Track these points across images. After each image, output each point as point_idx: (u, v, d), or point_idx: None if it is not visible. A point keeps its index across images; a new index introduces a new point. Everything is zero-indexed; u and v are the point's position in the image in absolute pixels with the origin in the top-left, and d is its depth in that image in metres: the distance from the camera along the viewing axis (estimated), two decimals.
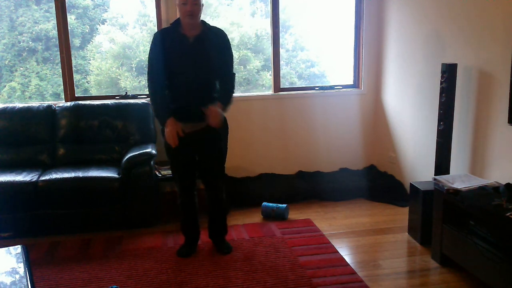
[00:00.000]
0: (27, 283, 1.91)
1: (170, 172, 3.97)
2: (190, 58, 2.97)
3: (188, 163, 3.15)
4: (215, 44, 3.01)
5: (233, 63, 3.13)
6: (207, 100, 3.01)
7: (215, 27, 3.09)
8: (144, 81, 5.89)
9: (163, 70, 2.97)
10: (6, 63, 5.85)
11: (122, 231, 3.65)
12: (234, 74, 3.14)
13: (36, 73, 5.91)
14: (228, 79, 3.10)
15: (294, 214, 3.97)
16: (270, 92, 4.73)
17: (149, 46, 3.03)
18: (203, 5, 2.95)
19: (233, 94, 3.13)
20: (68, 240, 3.51)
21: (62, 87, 4.47)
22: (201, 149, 3.12)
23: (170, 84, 3.01)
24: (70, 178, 3.56)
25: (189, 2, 2.86)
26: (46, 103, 4.18)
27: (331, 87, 4.83)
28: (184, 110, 3.00)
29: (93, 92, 5.85)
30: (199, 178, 3.25)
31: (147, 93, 4.61)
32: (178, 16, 3.01)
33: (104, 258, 3.22)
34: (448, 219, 2.98)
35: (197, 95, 3.01)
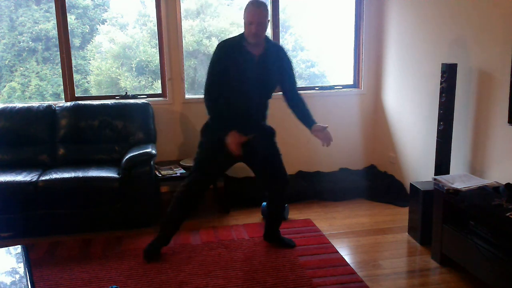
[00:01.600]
0: (27, 283, 1.91)
1: (172, 171, 3.98)
2: (255, 77, 2.97)
3: (224, 166, 3.20)
4: (279, 63, 3.05)
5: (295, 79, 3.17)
6: (262, 117, 3.15)
7: (276, 43, 3.12)
8: (144, 81, 5.90)
9: (227, 82, 2.96)
10: (6, 63, 5.85)
11: (122, 231, 3.65)
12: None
13: (36, 73, 5.91)
14: (300, 97, 3.18)
15: (294, 214, 3.97)
16: None
17: (213, 56, 2.96)
18: (269, 21, 2.96)
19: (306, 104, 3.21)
20: (68, 240, 3.51)
21: (62, 87, 4.47)
22: (254, 152, 3.13)
23: (231, 96, 3.00)
24: (70, 178, 3.56)
25: (255, 22, 2.85)
26: (46, 103, 4.18)
27: (331, 87, 4.83)
28: (239, 124, 3.00)
29: (93, 92, 5.85)
30: (263, 181, 3.32)
31: (147, 93, 4.65)
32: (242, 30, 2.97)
33: (104, 258, 3.22)
34: (448, 219, 2.98)
35: (254, 112, 3.08)
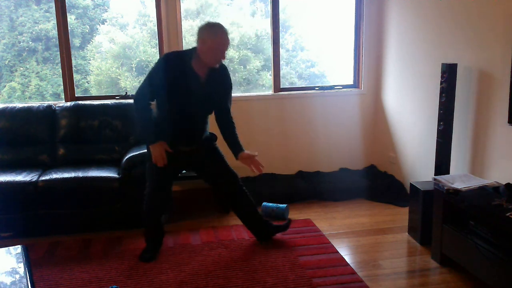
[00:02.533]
0: (27, 283, 1.91)
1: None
2: (200, 96, 2.99)
3: (169, 173, 3.16)
4: (221, 85, 3.09)
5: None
6: (201, 132, 3.15)
7: (221, 64, 3.09)
8: None
9: (164, 96, 2.94)
10: (6, 63, 5.85)
11: (122, 231, 3.65)
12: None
13: (36, 73, 5.91)
14: (232, 121, 3.18)
15: (294, 214, 3.97)
16: (270, 92, 4.73)
17: (156, 64, 2.95)
18: None
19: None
20: (68, 240, 3.51)
21: (62, 87, 4.47)
22: (199, 161, 3.21)
23: (170, 111, 3.00)
24: (70, 178, 3.56)
25: (225, 50, 2.91)
26: (46, 103, 4.18)
27: (331, 87, 4.83)
28: (178, 136, 3.06)
29: (93, 92, 5.85)
30: (217, 187, 3.35)
31: None
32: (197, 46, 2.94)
33: (104, 258, 3.22)
34: (448, 219, 2.98)
35: (195, 126, 3.11)
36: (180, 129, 3.06)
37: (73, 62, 4.45)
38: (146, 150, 3.13)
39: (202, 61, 2.92)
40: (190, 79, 2.95)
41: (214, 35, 2.86)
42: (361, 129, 4.87)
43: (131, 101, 4.28)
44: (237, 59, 5.65)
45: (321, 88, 4.81)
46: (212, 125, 3.24)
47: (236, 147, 3.14)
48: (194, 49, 2.96)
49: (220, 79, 3.07)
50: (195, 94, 2.97)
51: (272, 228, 3.45)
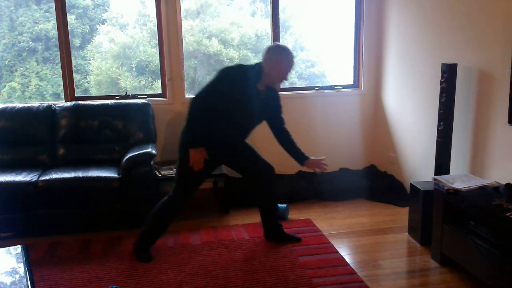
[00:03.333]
0: (27, 283, 1.90)
1: (172, 171, 3.98)
2: (256, 111, 3.09)
3: (202, 180, 3.23)
4: (275, 98, 3.23)
5: None
6: (246, 140, 3.29)
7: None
8: (144, 81, 5.90)
9: (224, 107, 2.98)
10: (6, 63, 5.85)
11: (122, 231, 3.65)
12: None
13: (36, 73, 5.91)
14: (285, 129, 3.31)
15: (294, 214, 3.97)
16: None
17: (224, 74, 2.97)
18: None
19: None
20: (68, 240, 3.51)
21: (62, 87, 4.47)
22: (231, 158, 3.28)
23: (226, 121, 3.03)
24: (70, 178, 3.56)
25: (288, 73, 3.07)
26: (46, 103, 4.18)
27: (331, 87, 4.83)
28: (224, 145, 3.13)
29: (93, 92, 5.85)
30: (249, 176, 3.38)
31: (147, 93, 4.65)
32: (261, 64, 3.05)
33: (104, 258, 3.22)
34: (448, 219, 2.98)
35: (245, 137, 3.25)
36: (230, 139, 3.14)
37: (73, 62, 4.45)
38: (180, 154, 3.10)
39: (265, 79, 3.04)
40: (253, 95, 3.04)
41: (282, 56, 3.00)
42: (361, 129, 4.87)
43: (131, 101, 4.30)
44: (237, 59, 5.65)
45: (321, 88, 4.81)
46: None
47: (299, 155, 3.27)
48: (258, 66, 3.04)
49: (274, 95, 3.21)
50: (254, 108, 3.07)
51: (282, 234, 3.45)
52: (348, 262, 3.11)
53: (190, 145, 2.98)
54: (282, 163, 4.69)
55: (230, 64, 3.08)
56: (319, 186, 4.42)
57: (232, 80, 2.95)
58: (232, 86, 2.94)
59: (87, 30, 5.89)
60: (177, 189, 3.15)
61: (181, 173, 3.13)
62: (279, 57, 2.99)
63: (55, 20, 4.32)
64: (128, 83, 5.82)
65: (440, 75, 3.43)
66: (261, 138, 4.61)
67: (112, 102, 4.25)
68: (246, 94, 3.00)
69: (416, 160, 4.18)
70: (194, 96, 2.99)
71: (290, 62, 3.03)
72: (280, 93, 4.63)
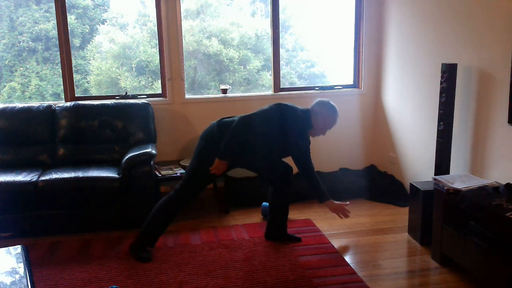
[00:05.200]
0: (27, 283, 1.91)
1: (172, 171, 3.98)
2: (289, 149, 3.23)
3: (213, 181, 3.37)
4: (306, 139, 3.29)
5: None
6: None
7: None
8: (144, 81, 5.90)
9: (266, 139, 3.12)
10: (6, 63, 5.85)
11: (122, 231, 3.65)
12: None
13: (36, 73, 5.91)
14: (309, 162, 3.30)
15: (294, 214, 3.97)
16: (270, 92, 4.73)
17: (283, 111, 3.11)
18: None
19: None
20: (68, 240, 3.51)
21: (62, 87, 4.47)
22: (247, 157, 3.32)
23: (258, 148, 3.16)
24: (70, 178, 3.56)
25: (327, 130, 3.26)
26: (46, 103, 4.18)
27: (331, 87, 4.83)
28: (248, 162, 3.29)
29: (93, 92, 5.85)
30: (267, 176, 3.43)
31: (147, 93, 4.65)
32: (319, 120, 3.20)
33: (104, 258, 3.22)
34: (448, 219, 2.98)
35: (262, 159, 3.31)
36: (256, 161, 3.26)
37: (73, 62, 4.45)
38: (199, 156, 3.17)
39: (312, 132, 3.24)
40: (297, 139, 3.19)
41: (331, 114, 3.19)
42: (361, 129, 4.87)
43: (131, 101, 4.30)
44: (237, 59, 5.65)
45: (321, 88, 4.81)
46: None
47: (319, 193, 3.30)
48: (307, 114, 3.19)
49: (306, 135, 3.27)
50: (288, 148, 3.21)
51: (285, 234, 3.47)
52: (348, 262, 3.11)
53: (221, 155, 3.04)
54: None
55: (287, 104, 3.21)
56: None
57: (284, 120, 3.10)
58: (281, 124, 3.10)
59: (87, 30, 5.89)
60: (185, 186, 3.18)
61: (192, 174, 3.19)
62: (330, 116, 3.19)
63: (55, 20, 4.32)
64: (128, 83, 5.82)
65: (440, 75, 3.43)
66: None
67: (112, 102, 4.25)
68: (285, 135, 3.13)
69: (416, 160, 4.18)
70: (247, 115, 3.09)
71: (335, 120, 3.21)
72: (280, 93, 4.68)
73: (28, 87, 5.87)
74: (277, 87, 4.68)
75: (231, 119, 3.18)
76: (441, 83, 3.40)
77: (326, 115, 3.19)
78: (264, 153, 3.20)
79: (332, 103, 3.22)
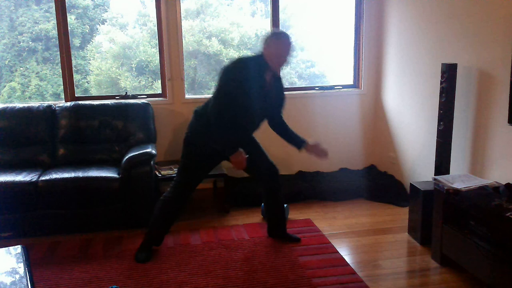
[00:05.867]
0: (27, 283, 1.90)
1: (173, 171, 3.98)
2: (264, 102, 3.08)
3: (207, 171, 3.25)
4: (279, 89, 3.19)
5: None
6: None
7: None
8: (144, 81, 5.90)
9: (239, 102, 2.95)
10: (6, 63, 5.85)
11: (122, 231, 3.65)
12: None
13: (36, 73, 5.91)
14: (283, 120, 3.30)
15: (294, 214, 3.97)
16: None
17: (233, 73, 2.93)
18: None
19: None
20: (68, 240, 3.51)
21: (62, 87, 4.47)
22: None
23: (237, 116, 3.00)
24: (70, 178, 3.56)
25: (286, 58, 3.00)
26: (46, 103, 4.18)
27: (331, 87, 4.83)
28: (233, 144, 3.04)
29: (93, 92, 5.86)
30: (257, 177, 3.42)
31: (147, 93, 4.65)
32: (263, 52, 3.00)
33: (104, 258, 3.22)
34: (448, 219, 2.98)
35: (252, 132, 3.21)
36: (242, 134, 3.12)
37: (73, 62, 4.45)
38: (185, 151, 3.16)
39: (271, 66, 3.01)
40: (262, 84, 3.03)
41: (279, 40, 2.97)
42: (361, 129, 4.87)
43: (131, 101, 4.30)
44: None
45: (321, 88, 4.81)
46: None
47: (297, 140, 3.29)
48: (259, 55, 3.02)
49: (280, 87, 3.18)
50: (262, 96, 3.05)
51: (284, 234, 3.48)
52: (348, 262, 3.11)
53: (229, 152, 2.96)
54: (283, 163, 4.71)
55: (229, 62, 3.02)
56: (319, 186, 4.42)
57: (244, 75, 2.93)
58: (244, 80, 2.91)
59: (87, 30, 5.89)
60: (177, 187, 3.17)
61: (183, 170, 3.17)
62: (274, 40, 2.96)
63: (55, 20, 4.32)
64: (128, 83, 5.82)
65: (440, 75, 3.43)
66: (261, 138, 4.62)
67: (112, 102, 4.25)
68: (255, 85, 2.98)
69: (416, 160, 4.18)
70: (211, 106, 2.95)
71: (287, 44, 2.97)
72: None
73: (28, 87, 5.87)
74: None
75: (202, 106, 3.12)
76: (441, 83, 3.40)
77: (273, 42, 2.95)
78: (248, 123, 3.09)
79: (277, 30, 3.11)
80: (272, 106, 3.19)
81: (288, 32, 3.07)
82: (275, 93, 3.15)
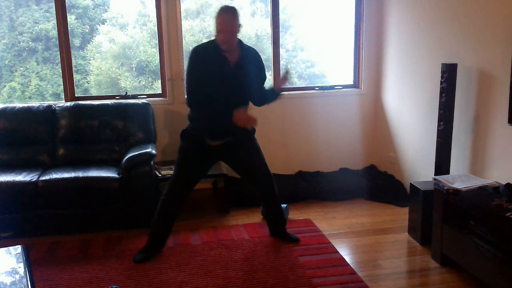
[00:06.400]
0: (27, 283, 1.90)
1: (172, 171, 3.98)
2: (231, 84, 3.01)
3: (202, 169, 3.23)
4: (253, 67, 3.09)
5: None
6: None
7: (250, 47, 3.16)
8: (144, 81, 5.90)
9: (203, 88, 2.98)
10: (6, 63, 5.85)
11: (122, 231, 3.65)
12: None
13: (36, 73, 5.91)
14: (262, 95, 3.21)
15: (294, 214, 3.97)
16: None
17: (186, 60, 3.00)
18: (240, 26, 2.99)
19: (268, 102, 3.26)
20: (68, 240, 3.51)
21: (62, 87, 4.47)
22: (233, 157, 3.27)
23: (207, 101, 2.99)
24: (70, 178, 3.56)
25: (223, 31, 2.91)
26: (46, 103, 4.18)
27: (331, 87, 4.83)
28: (215, 130, 3.07)
29: (93, 92, 5.85)
30: (249, 181, 3.44)
31: (147, 93, 4.65)
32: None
33: (104, 258, 3.22)
34: (448, 219, 2.98)
35: (230, 118, 2.99)
36: (217, 119, 3.03)
37: (73, 62, 4.45)
38: (180, 145, 3.17)
39: (220, 43, 2.96)
40: (220, 65, 2.98)
41: (215, 17, 2.96)
42: (361, 129, 4.87)
43: (131, 101, 4.30)
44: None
45: (321, 88, 4.81)
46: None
47: (269, 92, 3.22)
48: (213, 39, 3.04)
49: (250, 61, 3.07)
50: (226, 78, 2.99)
51: (285, 234, 3.49)
52: (348, 262, 3.11)
53: (227, 125, 2.97)
54: (283, 163, 4.72)
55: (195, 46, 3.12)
56: (319, 186, 4.42)
57: (198, 58, 2.97)
58: (200, 64, 2.96)
59: (87, 30, 5.89)
60: (172, 185, 3.18)
61: (176, 165, 3.18)
62: (215, 19, 2.97)
63: (55, 20, 4.32)
64: (128, 83, 5.82)
65: (440, 75, 3.43)
66: (261, 138, 4.62)
67: (112, 102, 4.25)
68: (213, 67, 2.96)
69: (416, 160, 4.18)
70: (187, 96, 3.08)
71: (218, 19, 2.93)
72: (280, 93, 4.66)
73: (28, 87, 5.87)
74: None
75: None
76: (441, 83, 3.40)
77: (214, 21, 2.98)
78: (222, 105, 3.00)
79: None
80: (246, 84, 3.07)
81: (228, 6, 2.98)
82: (245, 71, 3.04)
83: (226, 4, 3.01)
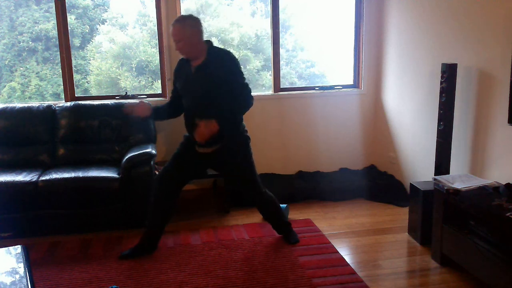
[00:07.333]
0: (27, 283, 1.91)
1: None
2: (190, 88, 3.07)
3: (190, 168, 3.21)
4: (217, 71, 2.96)
5: (241, 80, 3.02)
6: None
7: (221, 50, 3.08)
8: (144, 81, 5.91)
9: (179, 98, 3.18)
10: (6, 63, 5.85)
11: (122, 231, 3.65)
12: (246, 86, 3.04)
13: (36, 73, 5.91)
14: (237, 99, 3.02)
15: (294, 214, 3.97)
16: (270, 92, 4.73)
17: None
18: (197, 31, 2.96)
19: (240, 109, 3.08)
20: (68, 240, 3.51)
21: (62, 87, 4.47)
22: (220, 167, 3.35)
23: (184, 109, 3.19)
24: (70, 178, 3.56)
25: (175, 41, 2.97)
26: (46, 103, 4.18)
27: (331, 87, 4.83)
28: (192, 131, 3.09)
29: (93, 92, 5.85)
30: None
31: (147, 93, 4.65)
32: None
33: (104, 258, 3.22)
34: (448, 219, 2.98)
35: (193, 117, 3.03)
36: (191, 123, 3.05)
37: (73, 62, 4.45)
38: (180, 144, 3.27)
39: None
40: (186, 72, 3.08)
41: None
42: (361, 129, 4.86)
43: (131, 101, 4.29)
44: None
45: (321, 88, 4.81)
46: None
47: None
48: None
49: (213, 66, 2.96)
50: (187, 83, 3.07)
51: (285, 234, 3.49)
52: (348, 262, 3.11)
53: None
54: (282, 163, 4.72)
55: None
56: (319, 186, 4.42)
57: (176, 67, 3.19)
58: (175, 72, 3.19)
59: (87, 30, 5.89)
60: (166, 167, 3.23)
61: (172, 157, 3.25)
62: None
63: (55, 20, 4.32)
64: (128, 83, 5.82)
65: (440, 75, 3.43)
66: (261, 138, 4.63)
67: (112, 102, 4.25)
68: (181, 74, 3.11)
69: (416, 160, 4.18)
70: None
71: (171, 30, 2.99)
72: (280, 93, 4.68)
73: (28, 87, 5.87)
74: (277, 87, 4.68)
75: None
76: (441, 83, 3.40)
77: None
78: (192, 113, 3.06)
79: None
80: (207, 89, 2.98)
81: (180, 16, 3.12)
82: (205, 74, 2.97)
83: (184, 14, 3.13)
